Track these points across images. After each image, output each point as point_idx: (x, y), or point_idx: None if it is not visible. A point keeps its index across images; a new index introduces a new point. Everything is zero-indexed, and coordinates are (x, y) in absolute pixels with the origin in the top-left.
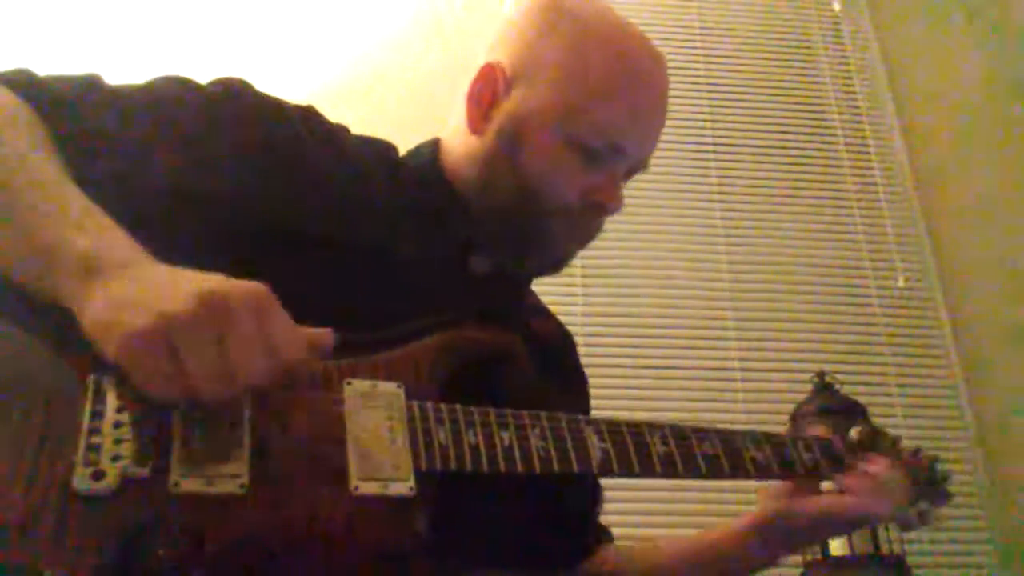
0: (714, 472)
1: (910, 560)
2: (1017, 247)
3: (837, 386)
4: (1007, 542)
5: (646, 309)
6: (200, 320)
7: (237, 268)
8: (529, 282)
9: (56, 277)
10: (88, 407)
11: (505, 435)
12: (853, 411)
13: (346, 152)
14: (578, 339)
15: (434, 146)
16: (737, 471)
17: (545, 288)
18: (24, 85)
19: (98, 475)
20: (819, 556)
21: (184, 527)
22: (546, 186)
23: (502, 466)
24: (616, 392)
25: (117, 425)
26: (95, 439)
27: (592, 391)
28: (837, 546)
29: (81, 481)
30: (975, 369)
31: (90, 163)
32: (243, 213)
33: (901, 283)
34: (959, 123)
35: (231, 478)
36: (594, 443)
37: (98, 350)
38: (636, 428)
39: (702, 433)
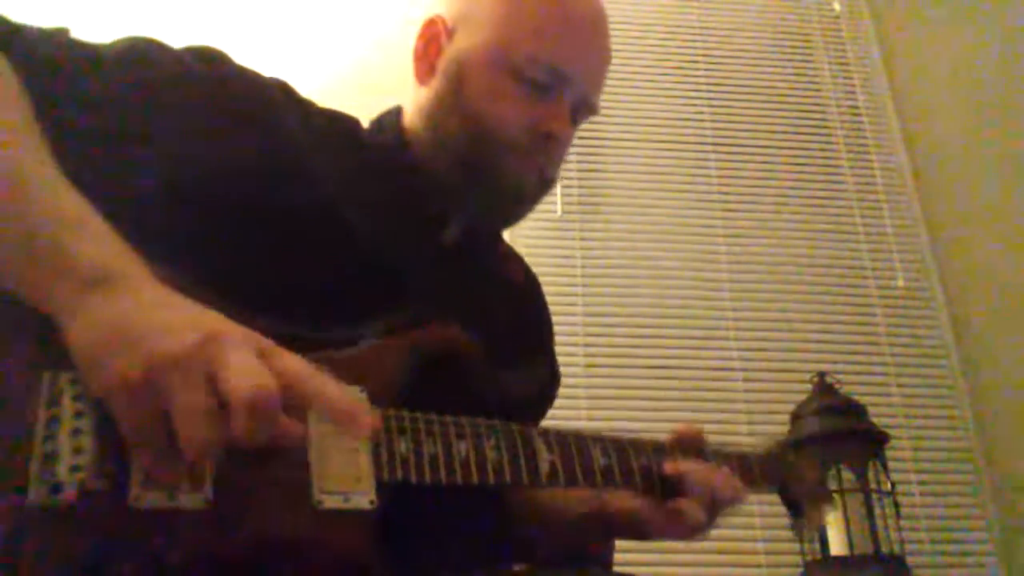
0: (648, 485)
1: (910, 560)
2: (1017, 246)
3: (837, 386)
4: (1007, 542)
5: (646, 309)
6: (196, 356)
7: (214, 243)
8: (499, 235)
9: (46, 282)
10: (43, 412)
11: (462, 446)
12: (853, 411)
13: (318, 135)
14: (578, 339)
15: (397, 116)
16: (667, 484)
17: (545, 288)
18: (4, 40)
19: (56, 488)
20: (819, 556)
21: (146, 543)
22: (492, 119)
23: (459, 477)
24: (616, 392)
25: (75, 432)
26: (50, 447)
27: (592, 391)
28: (837, 546)
29: (37, 494)
30: (975, 369)
31: (70, 130)
32: (221, 188)
33: (901, 283)
34: (959, 123)
35: (193, 492)
36: (544, 456)
37: (79, 375)
38: (580, 439)
39: (637, 444)
